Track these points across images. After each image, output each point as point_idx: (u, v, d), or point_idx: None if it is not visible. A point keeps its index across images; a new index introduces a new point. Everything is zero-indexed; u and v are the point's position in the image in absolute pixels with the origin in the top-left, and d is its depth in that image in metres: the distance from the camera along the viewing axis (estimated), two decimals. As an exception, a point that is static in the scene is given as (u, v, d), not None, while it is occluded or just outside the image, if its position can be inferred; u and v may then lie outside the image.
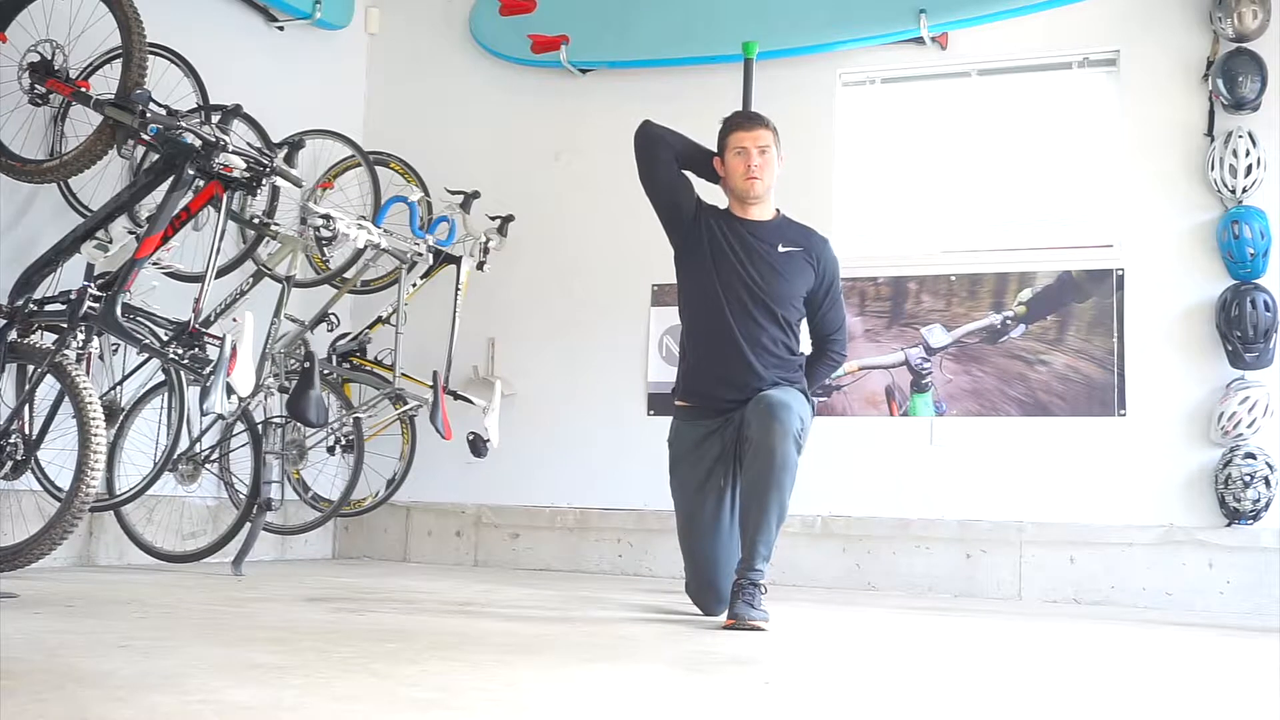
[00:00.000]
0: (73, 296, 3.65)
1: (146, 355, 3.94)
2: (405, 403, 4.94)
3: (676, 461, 3.68)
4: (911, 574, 4.96)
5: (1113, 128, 5.04)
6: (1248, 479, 4.53)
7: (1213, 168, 4.72)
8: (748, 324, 3.55)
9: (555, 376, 5.62)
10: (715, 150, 3.69)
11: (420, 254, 4.86)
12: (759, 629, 3.14)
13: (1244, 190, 4.67)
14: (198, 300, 3.76)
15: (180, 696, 1.77)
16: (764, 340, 3.55)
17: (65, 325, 3.61)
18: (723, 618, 3.32)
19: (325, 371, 4.72)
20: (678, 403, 3.72)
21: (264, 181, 3.87)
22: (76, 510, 3.25)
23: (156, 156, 3.83)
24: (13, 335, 3.68)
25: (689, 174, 3.73)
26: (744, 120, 3.68)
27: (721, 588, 3.50)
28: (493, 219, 5.37)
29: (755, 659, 2.62)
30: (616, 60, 5.57)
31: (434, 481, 5.57)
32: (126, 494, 4.23)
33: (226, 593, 3.60)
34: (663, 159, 3.65)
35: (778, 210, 3.71)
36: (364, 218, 4.65)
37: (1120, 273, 4.89)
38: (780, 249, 3.60)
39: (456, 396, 4.97)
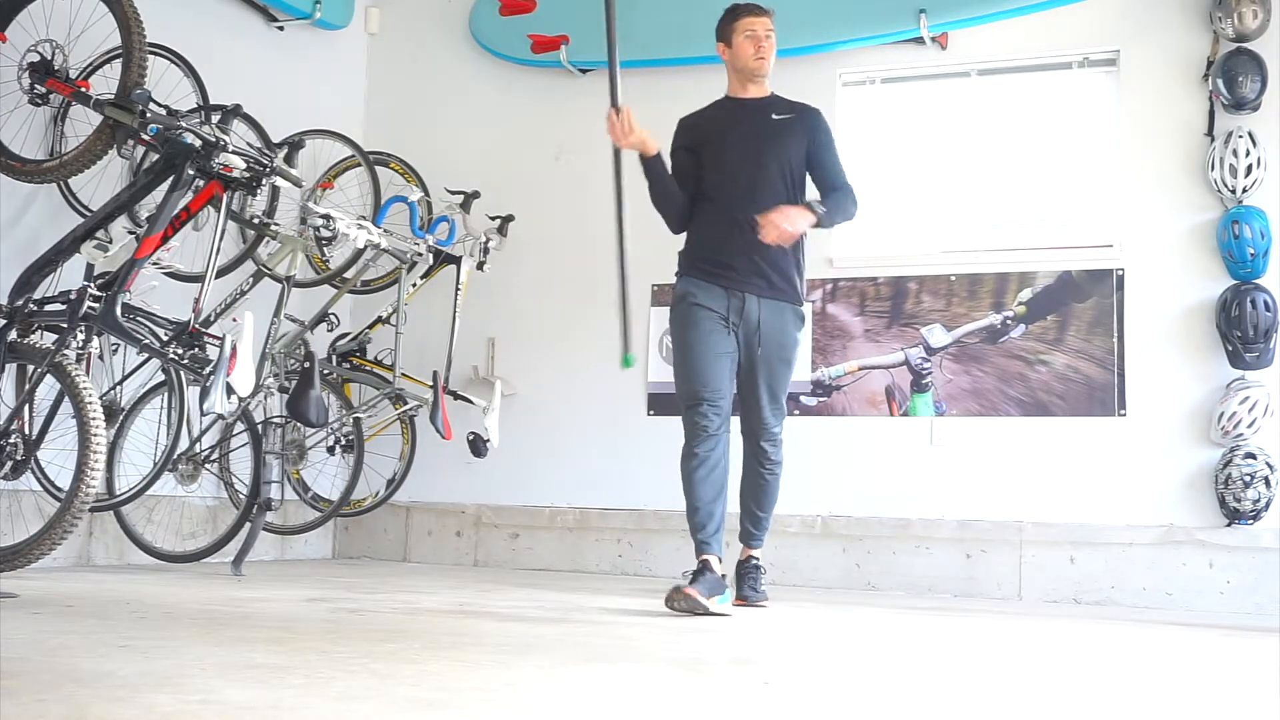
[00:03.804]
0: (73, 296, 3.65)
1: (146, 355, 3.94)
2: (405, 403, 4.94)
3: (681, 300, 3.98)
4: (911, 574, 4.96)
5: (1113, 128, 5.04)
6: (1248, 479, 4.53)
7: (1213, 168, 4.72)
8: (755, 172, 3.96)
9: (555, 376, 5.62)
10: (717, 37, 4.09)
11: (420, 254, 4.86)
12: (763, 606, 3.92)
13: (1244, 190, 4.67)
14: (198, 300, 3.76)
15: (180, 696, 1.77)
16: (773, 181, 3.95)
17: (65, 325, 3.61)
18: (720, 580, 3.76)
19: (325, 371, 4.72)
20: (686, 275, 4.04)
21: (264, 181, 3.87)
22: (76, 510, 3.25)
23: (156, 156, 3.83)
24: (13, 335, 3.68)
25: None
26: (753, 8, 4.07)
27: (716, 398, 3.88)
28: (493, 219, 5.38)
29: (755, 659, 2.62)
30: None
31: (434, 481, 5.57)
32: (126, 494, 4.23)
33: (226, 593, 3.60)
34: (675, 202, 4.05)
35: (772, 91, 4.14)
36: (364, 218, 4.66)
37: (1120, 273, 4.90)
38: (774, 116, 4.05)
39: (456, 396, 4.97)
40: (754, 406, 4.03)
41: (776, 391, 4.03)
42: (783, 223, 3.79)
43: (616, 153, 4.04)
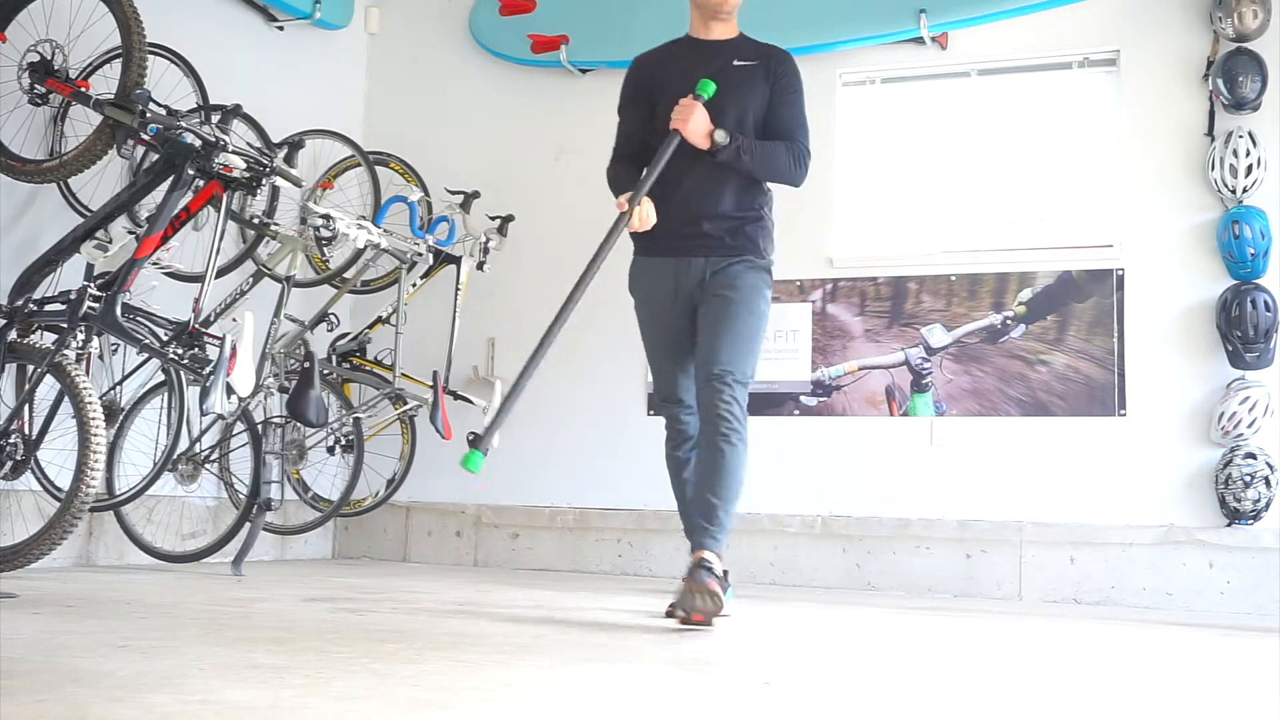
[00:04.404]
0: (73, 296, 3.65)
1: (146, 355, 3.95)
2: (405, 403, 4.94)
3: (633, 284, 3.67)
4: (911, 574, 4.96)
5: (1113, 128, 5.04)
6: (1248, 479, 4.53)
7: (1213, 168, 4.72)
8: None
9: (555, 376, 5.60)
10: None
11: (420, 254, 4.86)
12: (706, 623, 3.11)
13: (1244, 190, 4.67)
14: (198, 300, 3.76)
15: (180, 696, 1.77)
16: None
17: (65, 325, 3.62)
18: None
19: (325, 371, 4.72)
20: (636, 255, 3.67)
21: (264, 181, 3.88)
22: (76, 510, 3.25)
23: (156, 156, 3.83)
24: (13, 335, 3.68)
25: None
26: None
27: (688, 398, 3.53)
28: (493, 219, 5.37)
29: (755, 659, 2.62)
30: (616, 60, 5.55)
31: (434, 481, 5.57)
32: (126, 494, 4.24)
33: (226, 593, 3.60)
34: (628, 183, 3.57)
35: (741, 32, 3.62)
36: (364, 218, 4.66)
37: (1120, 273, 4.89)
38: (735, 63, 3.51)
39: (456, 396, 4.98)
40: (708, 353, 3.37)
41: (740, 330, 3.39)
42: (688, 116, 3.36)
43: (611, 232, 3.51)
